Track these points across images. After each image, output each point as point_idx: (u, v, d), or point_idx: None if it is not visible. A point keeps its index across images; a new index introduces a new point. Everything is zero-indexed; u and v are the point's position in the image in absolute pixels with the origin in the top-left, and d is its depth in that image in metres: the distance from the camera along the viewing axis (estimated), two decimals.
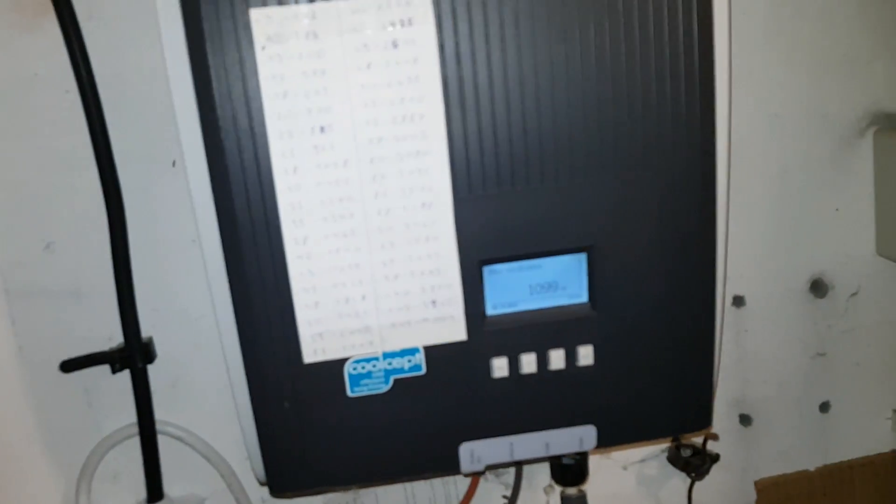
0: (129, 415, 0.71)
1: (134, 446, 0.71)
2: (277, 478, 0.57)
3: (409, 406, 0.56)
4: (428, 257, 0.52)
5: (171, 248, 0.69)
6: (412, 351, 0.55)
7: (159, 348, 0.72)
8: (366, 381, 0.55)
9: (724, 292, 0.58)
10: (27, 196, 0.67)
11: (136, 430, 0.71)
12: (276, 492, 0.58)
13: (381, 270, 0.52)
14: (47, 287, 0.70)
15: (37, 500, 0.75)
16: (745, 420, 0.82)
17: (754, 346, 0.79)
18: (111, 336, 0.70)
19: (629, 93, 0.51)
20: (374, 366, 0.55)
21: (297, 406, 0.55)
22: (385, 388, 0.56)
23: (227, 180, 0.49)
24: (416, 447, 0.58)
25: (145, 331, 0.70)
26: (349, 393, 0.55)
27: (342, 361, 0.55)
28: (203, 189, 0.50)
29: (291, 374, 0.54)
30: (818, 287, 0.78)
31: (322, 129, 0.49)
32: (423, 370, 0.55)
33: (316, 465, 0.57)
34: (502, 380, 0.56)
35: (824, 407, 0.82)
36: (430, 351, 0.55)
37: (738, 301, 0.78)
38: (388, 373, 0.55)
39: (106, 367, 0.70)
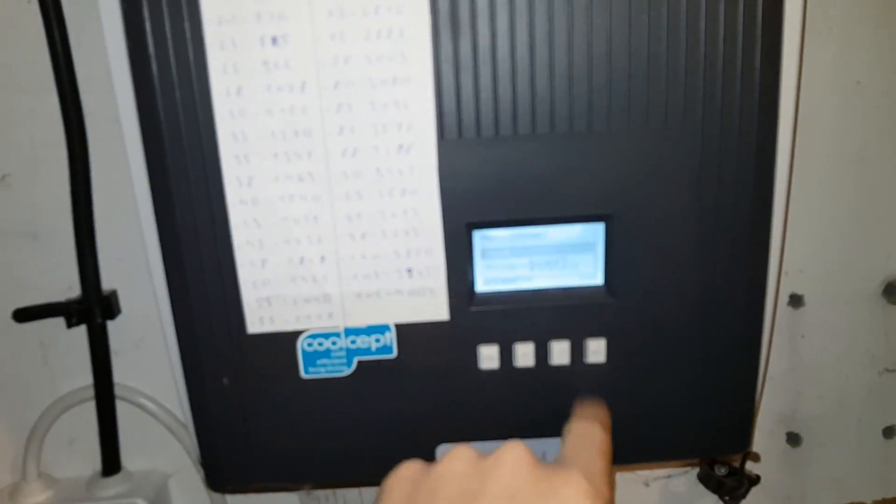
0: (89, 375, 0.62)
1: (94, 411, 0.63)
2: (214, 469, 0.48)
3: (375, 395, 0.46)
4: (404, 214, 0.42)
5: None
6: (381, 328, 0.45)
7: (124, 303, 0.63)
8: (323, 360, 0.45)
9: (777, 286, 0.46)
10: None
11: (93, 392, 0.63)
12: (212, 485, 0.48)
13: (344, 226, 0.42)
14: (2, 225, 0.61)
15: None
16: (793, 439, 0.70)
17: (811, 354, 0.67)
18: (71, 286, 0.61)
19: (672, 21, 0.40)
20: (333, 343, 0.45)
21: (239, 384, 0.45)
22: (347, 371, 0.46)
23: (154, 97, 0.39)
24: (382, 445, 0.47)
25: (109, 282, 0.62)
26: (303, 374, 0.46)
27: (295, 335, 0.45)
28: (130, 107, 0.41)
29: (232, 344, 0.45)
30: (893, 291, 0.65)
31: (274, 41, 0.39)
32: (395, 353, 0.45)
33: (260, 456, 0.47)
34: (491, 372, 0.46)
35: (889, 432, 0.70)
36: (404, 330, 0.45)
37: (796, 301, 0.65)
38: (350, 353, 0.45)
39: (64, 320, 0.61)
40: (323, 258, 0.43)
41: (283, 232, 0.42)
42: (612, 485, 0.38)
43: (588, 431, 0.39)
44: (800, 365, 0.68)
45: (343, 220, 0.42)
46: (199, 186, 0.41)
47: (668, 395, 0.46)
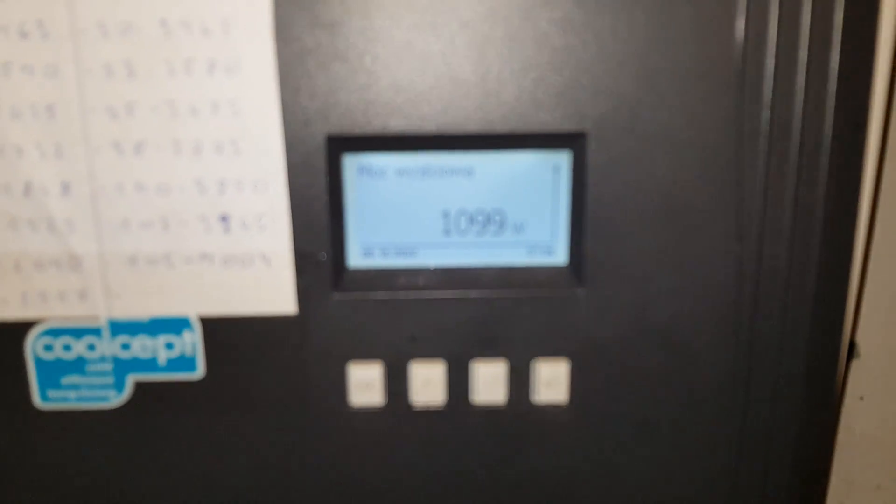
0: None
1: None
2: None
3: (164, 444, 0.26)
4: (214, 111, 0.23)
5: None
6: (175, 324, 0.25)
7: None
8: (73, 378, 0.26)
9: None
10: None
11: None
12: None
13: (105, 128, 0.23)
14: None
15: None
16: None
17: (869, 426, 0.48)
18: None
19: None
20: (89, 348, 0.25)
21: None
22: (116, 398, 0.26)
23: None
24: None
25: None
26: (38, 401, 0.26)
27: (21, 328, 0.25)
28: None
29: None
30: None
31: None
32: (199, 371, 0.26)
33: None
34: (368, 413, 0.26)
35: None
36: (216, 330, 0.25)
37: (849, 350, 0.46)
38: (121, 367, 0.26)
39: None
40: (66, 186, 0.24)
41: None
42: None
43: None
44: (851, 440, 0.49)
45: (102, 116, 0.23)
46: None
47: (678, 471, 0.27)
